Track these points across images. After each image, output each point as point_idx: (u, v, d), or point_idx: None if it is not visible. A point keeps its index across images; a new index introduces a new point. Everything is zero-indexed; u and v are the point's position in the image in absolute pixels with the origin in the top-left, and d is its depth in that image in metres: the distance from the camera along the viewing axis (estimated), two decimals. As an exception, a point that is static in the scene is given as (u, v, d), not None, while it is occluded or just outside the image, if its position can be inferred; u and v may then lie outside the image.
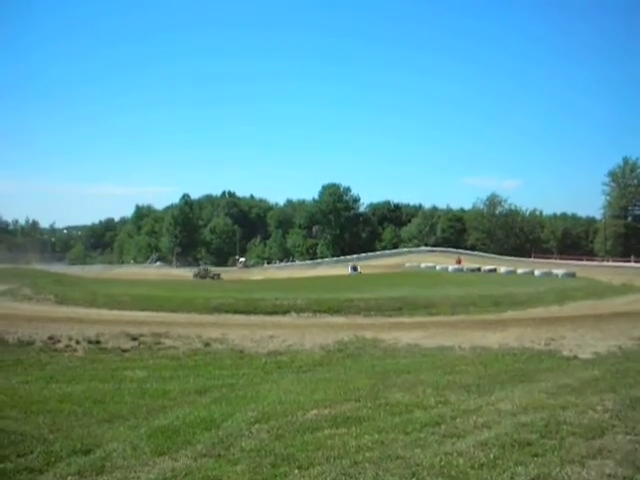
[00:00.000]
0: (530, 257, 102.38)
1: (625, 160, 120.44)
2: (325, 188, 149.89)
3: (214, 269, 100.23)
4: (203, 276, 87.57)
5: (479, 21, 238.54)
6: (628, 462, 7.80)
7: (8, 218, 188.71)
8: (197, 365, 18.35)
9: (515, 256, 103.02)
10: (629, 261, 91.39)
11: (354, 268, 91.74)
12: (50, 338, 24.20)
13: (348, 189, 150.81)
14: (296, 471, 7.45)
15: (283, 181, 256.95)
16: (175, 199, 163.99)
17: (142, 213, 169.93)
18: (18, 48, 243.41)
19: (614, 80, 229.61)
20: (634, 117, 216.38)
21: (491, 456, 7.86)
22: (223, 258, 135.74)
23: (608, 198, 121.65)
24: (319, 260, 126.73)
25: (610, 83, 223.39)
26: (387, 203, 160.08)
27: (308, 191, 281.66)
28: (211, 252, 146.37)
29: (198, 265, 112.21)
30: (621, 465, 7.66)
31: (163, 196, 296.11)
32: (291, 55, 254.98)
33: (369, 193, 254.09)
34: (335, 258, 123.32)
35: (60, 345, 23.33)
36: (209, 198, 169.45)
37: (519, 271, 78.79)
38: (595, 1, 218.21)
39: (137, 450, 8.62)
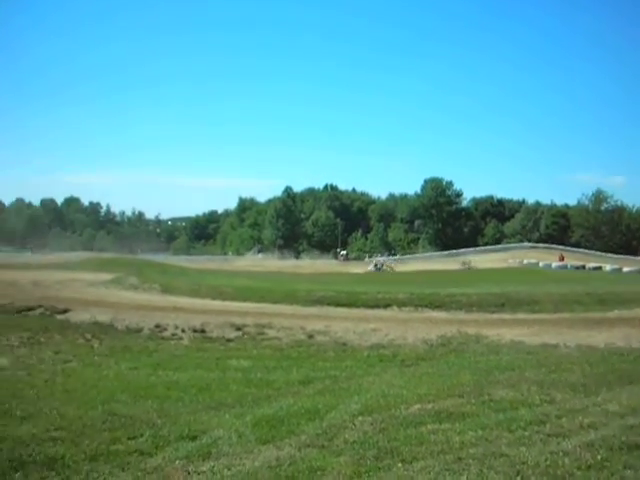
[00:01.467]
0: (637, 255, 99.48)
1: None
2: (427, 182, 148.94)
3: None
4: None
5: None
6: None
7: (115, 209, 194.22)
8: (300, 356, 18.51)
9: (621, 254, 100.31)
10: None
11: (377, 266, 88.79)
12: (157, 326, 24.84)
13: (450, 183, 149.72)
14: (399, 464, 7.45)
15: (385, 174, 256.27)
16: (278, 192, 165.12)
17: (245, 205, 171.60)
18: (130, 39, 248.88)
19: None
20: None
21: (598, 458, 7.64)
22: (324, 251, 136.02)
23: None
24: (419, 254, 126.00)
25: None
26: (490, 198, 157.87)
27: (410, 185, 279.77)
28: (312, 245, 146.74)
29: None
30: None
31: (265, 189, 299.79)
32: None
33: (472, 188, 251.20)
34: (438, 252, 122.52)
35: (166, 333, 23.91)
36: (311, 191, 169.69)
37: (625, 269, 76.80)
38: None
39: (242, 438, 8.78)
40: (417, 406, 10.39)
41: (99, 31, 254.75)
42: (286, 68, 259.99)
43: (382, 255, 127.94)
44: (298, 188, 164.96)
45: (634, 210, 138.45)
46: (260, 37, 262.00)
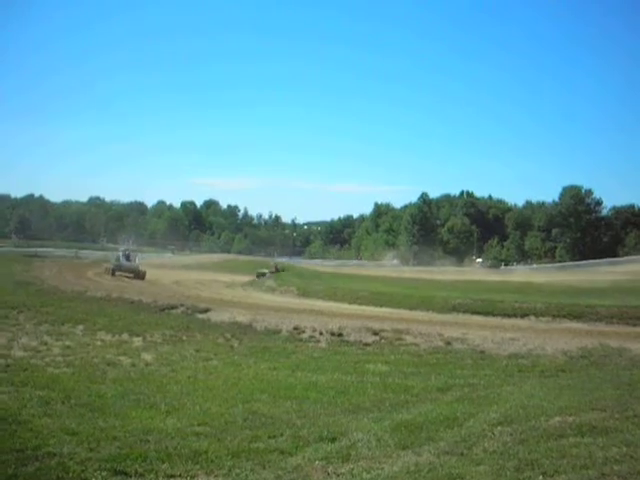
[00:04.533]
0: None
1: None
2: (565, 190, 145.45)
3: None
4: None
5: None
6: None
7: (253, 213, 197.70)
8: (438, 363, 18.45)
9: None
10: None
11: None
12: (295, 328, 25.18)
13: (590, 191, 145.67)
14: (540, 477, 7.31)
15: (523, 181, 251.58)
16: (413, 198, 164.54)
17: (380, 211, 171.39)
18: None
19: None
20: None
21: None
22: (460, 258, 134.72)
23: None
24: (558, 264, 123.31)
25: None
26: (631, 206, 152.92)
27: (548, 192, 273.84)
28: (448, 252, 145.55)
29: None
30: None
31: (400, 195, 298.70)
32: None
33: (613, 196, 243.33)
34: (576, 262, 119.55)
35: (304, 335, 24.21)
36: (447, 197, 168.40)
37: None
38: None
39: (381, 442, 8.84)
40: (558, 418, 10.19)
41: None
42: (410, 73, 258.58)
43: (518, 264, 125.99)
44: (433, 194, 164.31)
45: None
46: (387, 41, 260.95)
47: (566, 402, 11.64)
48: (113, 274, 54.74)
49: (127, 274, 55.09)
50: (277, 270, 61.66)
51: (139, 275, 54.56)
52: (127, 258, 58.58)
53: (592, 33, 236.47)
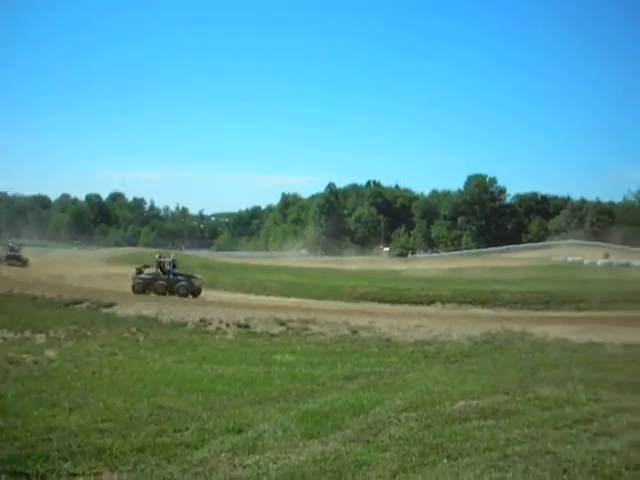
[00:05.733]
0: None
1: None
2: (471, 179, 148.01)
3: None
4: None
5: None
6: None
7: (159, 205, 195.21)
8: (345, 351, 18.51)
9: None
10: None
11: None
12: (201, 320, 25.02)
13: (494, 180, 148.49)
14: (445, 461, 7.48)
15: (428, 171, 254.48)
16: (320, 188, 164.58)
17: (288, 201, 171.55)
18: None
19: None
20: None
21: None
22: (367, 247, 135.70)
23: None
24: (464, 251, 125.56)
25: None
26: (534, 195, 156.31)
27: (454, 181, 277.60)
28: (355, 241, 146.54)
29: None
30: None
31: (308, 185, 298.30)
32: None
33: (515, 184, 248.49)
34: (481, 250, 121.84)
35: (211, 327, 24.06)
36: (354, 187, 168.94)
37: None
38: None
39: (287, 432, 8.83)
40: (462, 403, 10.40)
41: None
42: (326, 71, 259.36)
43: (425, 252, 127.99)
44: (341, 184, 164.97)
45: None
46: (307, 39, 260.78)
47: (470, 386, 11.87)
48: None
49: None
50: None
51: (24, 264, 61.88)
52: (11, 250, 66.15)
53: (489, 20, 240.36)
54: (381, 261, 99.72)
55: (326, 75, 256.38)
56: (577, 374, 13.58)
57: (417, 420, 9.31)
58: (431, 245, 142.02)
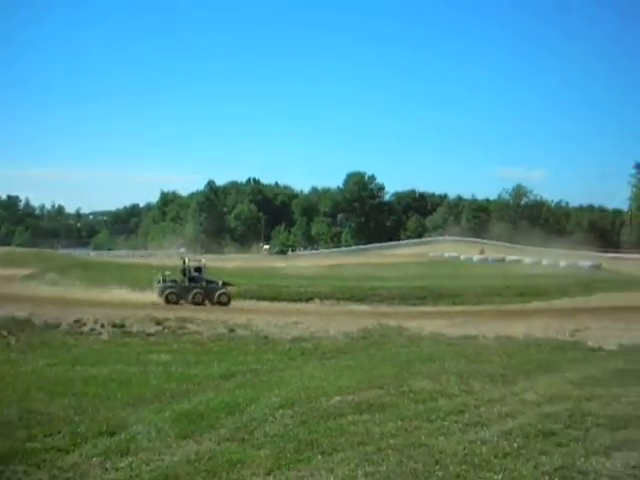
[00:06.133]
0: (555, 248, 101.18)
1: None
2: (350, 176, 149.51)
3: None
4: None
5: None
6: (653, 454, 7.79)
7: (35, 203, 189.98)
8: (221, 350, 18.42)
9: (540, 247, 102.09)
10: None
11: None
12: (76, 321, 24.45)
13: (373, 177, 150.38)
14: (319, 457, 7.51)
15: (308, 169, 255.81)
16: (200, 186, 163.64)
17: (167, 199, 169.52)
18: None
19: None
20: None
21: (515, 445, 7.89)
22: (247, 245, 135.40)
23: (635, 190, 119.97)
24: (344, 248, 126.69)
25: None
26: (412, 192, 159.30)
27: (333, 179, 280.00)
28: (235, 239, 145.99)
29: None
30: (646, 457, 7.66)
31: (188, 183, 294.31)
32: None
33: (394, 182, 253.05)
34: (360, 247, 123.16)
35: (85, 328, 23.56)
36: (234, 185, 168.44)
37: (544, 262, 78.33)
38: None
39: (161, 433, 8.71)
40: (337, 398, 10.45)
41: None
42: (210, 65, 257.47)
43: (305, 249, 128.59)
44: (221, 182, 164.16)
45: (553, 205, 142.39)
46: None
47: (346, 382, 11.93)
48: None
49: None
50: None
51: None
52: None
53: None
54: (261, 259, 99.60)
55: (190, 70, 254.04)
56: (451, 367, 13.91)
57: (292, 417, 9.32)
58: (311, 242, 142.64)
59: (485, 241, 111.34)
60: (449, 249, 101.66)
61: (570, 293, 45.18)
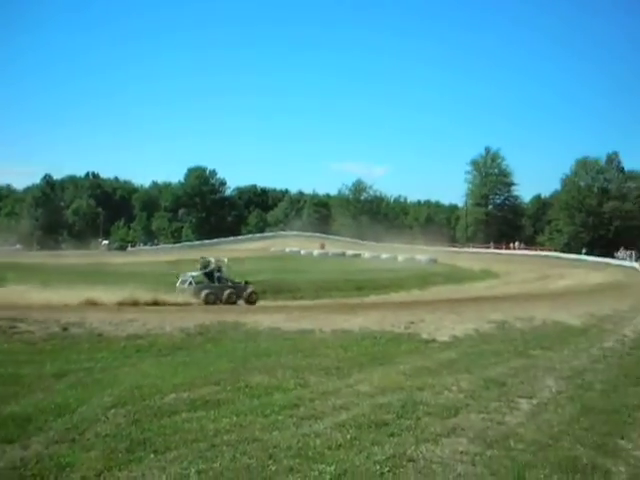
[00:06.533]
0: (394, 243, 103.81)
1: (487, 150, 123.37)
2: (190, 171, 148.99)
3: None
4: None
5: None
6: (480, 439, 8.15)
7: None
8: (54, 349, 17.81)
9: (379, 242, 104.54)
10: (489, 247, 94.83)
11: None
12: None
13: (214, 172, 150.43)
14: (152, 455, 7.46)
15: (148, 163, 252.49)
16: (36, 179, 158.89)
17: (1, 194, 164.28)
18: None
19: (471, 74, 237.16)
20: (495, 106, 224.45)
21: (348, 437, 8.09)
22: (86, 241, 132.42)
23: (470, 186, 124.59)
24: (185, 243, 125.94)
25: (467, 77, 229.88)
26: (253, 187, 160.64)
27: (174, 173, 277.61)
28: (73, 235, 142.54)
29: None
30: (473, 442, 8.04)
31: (24, 176, 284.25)
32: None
33: (235, 177, 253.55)
34: (202, 242, 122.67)
35: None
36: (72, 179, 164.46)
37: (383, 256, 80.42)
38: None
39: (-16, 439, 8.34)
40: (172, 395, 10.36)
41: None
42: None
43: (146, 244, 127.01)
44: (58, 176, 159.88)
45: (392, 200, 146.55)
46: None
47: (181, 379, 11.84)
48: None
49: None
50: None
51: None
52: None
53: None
54: (99, 254, 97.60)
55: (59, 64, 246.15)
56: (287, 361, 14.02)
57: (125, 416, 9.16)
58: (152, 237, 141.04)
59: (326, 236, 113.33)
60: (290, 244, 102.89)
61: (407, 286, 46.61)
